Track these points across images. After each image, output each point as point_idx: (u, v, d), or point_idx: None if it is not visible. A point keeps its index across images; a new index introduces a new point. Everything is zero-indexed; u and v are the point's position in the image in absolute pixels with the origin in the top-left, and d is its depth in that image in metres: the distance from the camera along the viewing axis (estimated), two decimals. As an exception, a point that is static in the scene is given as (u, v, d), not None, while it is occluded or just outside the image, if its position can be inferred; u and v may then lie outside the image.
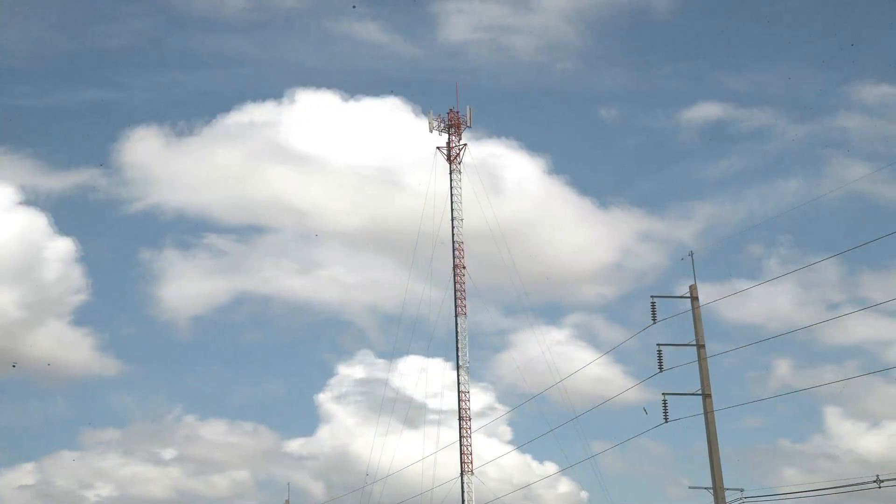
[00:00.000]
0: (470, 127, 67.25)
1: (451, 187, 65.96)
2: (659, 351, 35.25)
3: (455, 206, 65.56)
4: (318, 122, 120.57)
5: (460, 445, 61.63)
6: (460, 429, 61.86)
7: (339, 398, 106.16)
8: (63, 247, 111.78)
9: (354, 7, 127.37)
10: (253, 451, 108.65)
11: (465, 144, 66.96)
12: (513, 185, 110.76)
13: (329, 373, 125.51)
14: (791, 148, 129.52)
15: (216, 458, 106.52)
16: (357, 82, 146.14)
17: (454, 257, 64.57)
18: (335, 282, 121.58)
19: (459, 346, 63.09)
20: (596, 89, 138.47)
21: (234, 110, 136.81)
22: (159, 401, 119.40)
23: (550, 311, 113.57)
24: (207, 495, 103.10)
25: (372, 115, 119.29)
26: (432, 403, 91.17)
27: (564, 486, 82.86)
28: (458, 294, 63.89)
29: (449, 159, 66.59)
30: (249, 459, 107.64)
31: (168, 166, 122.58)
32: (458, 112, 67.18)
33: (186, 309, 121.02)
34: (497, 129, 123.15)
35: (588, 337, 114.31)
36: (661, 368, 35.31)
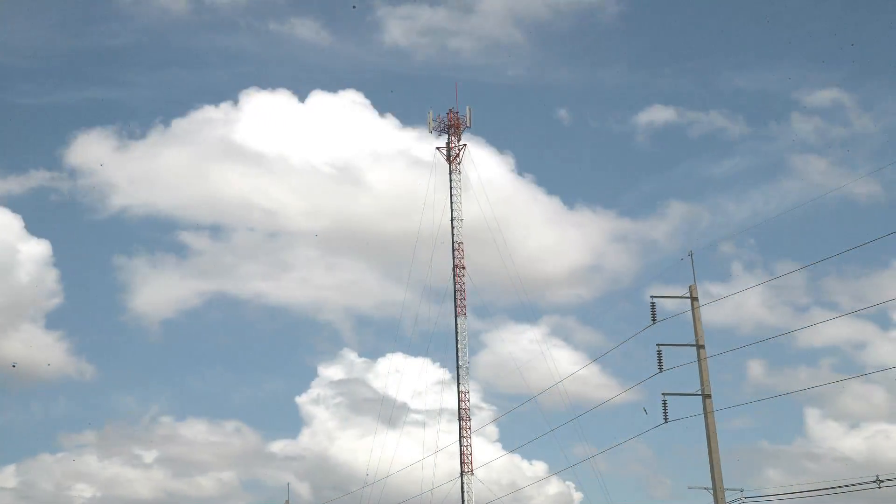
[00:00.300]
0: (469, 127, 67.19)
1: (451, 188, 65.94)
2: (659, 351, 35.28)
3: (455, 206, 65.55)
4: (276, 121, 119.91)
5: (460, 446, 61.63)
6: (460, 429, 61.86)
7: (321, 399, 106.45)
8: (37, 249, 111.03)
9: (354, 7, 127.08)
10: (237, 453, 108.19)
11: (465, 145, 66.97)
12: (481, 184, 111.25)
13: (310, 374, 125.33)
14: (754, 151, 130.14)
15: (199, 460, 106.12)
16: (310, 82, 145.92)
17: (454, 258, 64.55)
18: (308, 283, 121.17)
19: (459, 346, 63.10)
20: (548, 91, 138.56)
21: (191, 112, 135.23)
22: (135, 403, 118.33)
23: (524, 312, 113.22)
24: (192, 496, 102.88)
25: (329, 114, 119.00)
26: (416, 403, 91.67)
27: (557, 486, 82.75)
28: (458, 294, 63.89)
29: (448, 160, 66.55)
30: (233, 461, 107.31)
31: (131, 169, 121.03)
32: (457, 112, 67.14)
33: (160, 311, 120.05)
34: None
35: (565, 337, 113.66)
36: (660, 369, 35.34)
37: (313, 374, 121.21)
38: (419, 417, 77.24)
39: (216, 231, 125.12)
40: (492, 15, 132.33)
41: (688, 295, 36.07)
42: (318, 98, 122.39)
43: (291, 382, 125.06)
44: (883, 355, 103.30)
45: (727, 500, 34.03)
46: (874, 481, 30.59)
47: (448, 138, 66.84)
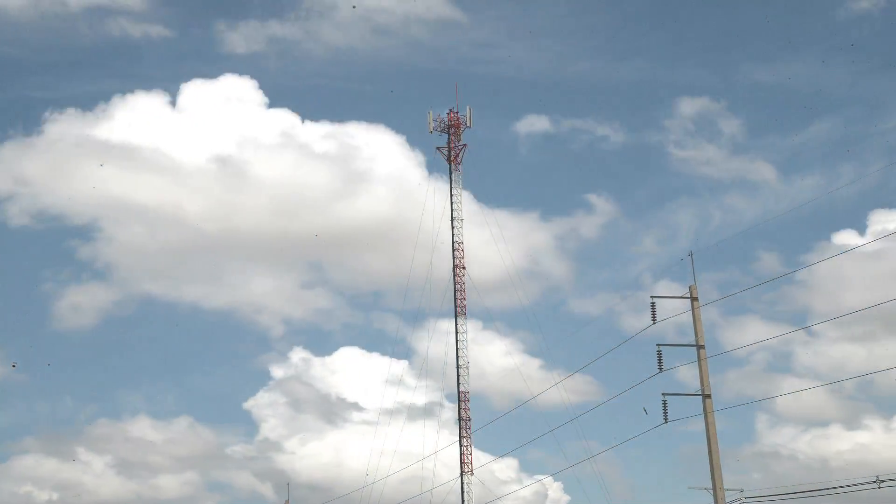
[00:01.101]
0: (469, 127, 67.10)
1: (451, 187, 66.00)
2: (659, 351, 35.35)
3: (455, 206, 65.56)
4: (156, 122, 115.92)
5: (460, 446, 61.66)
6: (460, 429, 61.91)
7: (273, 399, 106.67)
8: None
9: (354, 7, 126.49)
10: (192, 454, 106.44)
11: (465, 145, 66.93)
12: (388, 181, 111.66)
13: (260, 376, 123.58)
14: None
15: (152, 461, 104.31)
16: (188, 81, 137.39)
17: (454, 257, 64.59)
18: (229, 286, 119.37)
19: (459, 345, 63.13)
20: (414, 93, 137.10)
21: (59, 117, 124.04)
22: (73, 409, 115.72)
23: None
24: (155, 498, 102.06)
25: (205, 112, 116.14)
26: (378, 402, 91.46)
27: (540, 486, 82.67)
28: (458, 294, 63.89)
29: (449, 160, 66.54)
30: (189, 462, 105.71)
31: (38, 175, 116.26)
32: (457, 112, 67.08)
33: (84, 318, 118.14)
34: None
35: (503, 334, 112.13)
36: (660, 368, 35.41)
37: (264, 375, 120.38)
38: (370, 416, 77.06)
39: (128, 235, 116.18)
40: (338, 22, 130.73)
41: (688, 295, 36.14)
42: (194, 98, 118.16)
43: (243, 384, 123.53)
44: (808, 357, 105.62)
45: (727, 500, 34.05)
46: (874, 481, 30.60)
47: (448, 138, 66.81)
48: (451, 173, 66.23)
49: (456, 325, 63.46)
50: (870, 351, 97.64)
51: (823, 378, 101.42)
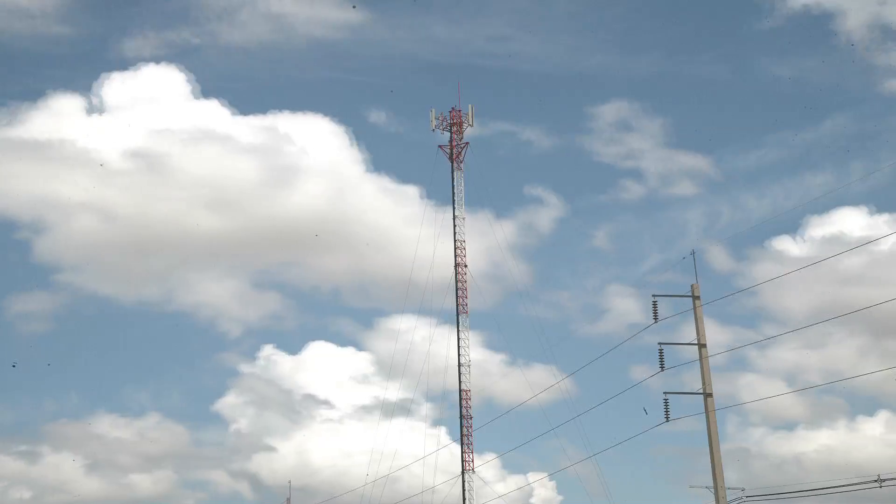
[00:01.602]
0: (472, 125, 67.07)
1: (454, 185, 66.00)
2: (661, 350, 35.39)
3: (457, 205, 65.59)
4: (80, 120, 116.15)
5: (461, 444, 61.70)
6: (461, 427, 61.93)
7: (244, 400, 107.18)
8: None
9: (354, 7, 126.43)
10: (165, 453, 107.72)
11: (468, 143, 66.92)
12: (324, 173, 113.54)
13: (231, 374, 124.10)
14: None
15: (122, 461, 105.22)
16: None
17: (455, 255, 64.59)
18: (193, 285, 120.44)
19: (461, 343, 63.13)
20: (345, 92, 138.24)
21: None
22: (40, 408, 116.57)
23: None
24: (131, 497, 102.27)
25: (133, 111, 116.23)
26: (346, 401, 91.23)
27: (529, 485, 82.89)
28: (460, 292, 63.88)
29: (451, 158, 66.50)
30: (162, 461, 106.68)
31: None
32: (460, 111, 67.09)
33: (32, 321, 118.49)
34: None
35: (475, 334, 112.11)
36: (662, 367, 35.43)
37: (233, 374, 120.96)
38: (344, 414, 76.60)
39: (67, 237, 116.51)
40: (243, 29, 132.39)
41: (689, 294, 36.14)
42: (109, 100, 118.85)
43: (211, 383, 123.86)
44: (761, 356, 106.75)
45: (728, 499, 34.05)
46: (875, 481, 30.59)
47: (451, 136, 66.79)
48: (453, 171, 66.27)
49: (458, 322, 63.48)
50: (829, 351, 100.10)
51: (782, 375, 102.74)
